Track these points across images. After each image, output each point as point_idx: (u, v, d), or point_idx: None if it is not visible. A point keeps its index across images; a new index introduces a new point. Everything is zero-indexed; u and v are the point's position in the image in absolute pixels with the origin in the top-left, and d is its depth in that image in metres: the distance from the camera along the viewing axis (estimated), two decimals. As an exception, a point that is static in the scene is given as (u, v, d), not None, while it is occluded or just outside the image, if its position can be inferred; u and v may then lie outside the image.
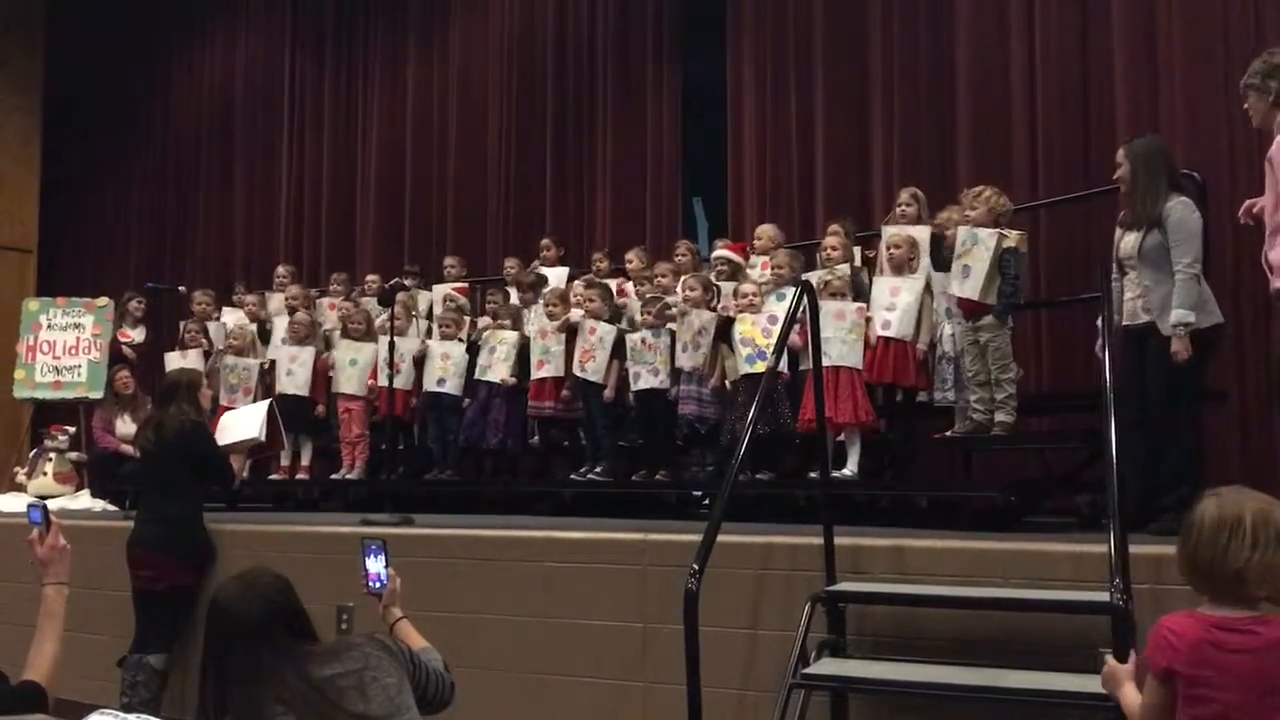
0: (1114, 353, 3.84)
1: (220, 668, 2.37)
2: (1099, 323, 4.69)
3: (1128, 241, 4.55)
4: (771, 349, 5.46)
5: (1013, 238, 5.03)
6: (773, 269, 5.92)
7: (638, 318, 6.39)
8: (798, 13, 7.92)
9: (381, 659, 2.39)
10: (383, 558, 3.07)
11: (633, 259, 7.08)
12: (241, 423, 6.25)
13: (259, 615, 2.36)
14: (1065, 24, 6.67)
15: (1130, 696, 2.55)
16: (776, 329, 5.48)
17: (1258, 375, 5.62)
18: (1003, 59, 6.92)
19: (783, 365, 5.10)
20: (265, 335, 8.04)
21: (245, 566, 2.54)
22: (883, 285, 5.52)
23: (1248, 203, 4.32)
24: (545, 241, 7.92)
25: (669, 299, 6.24)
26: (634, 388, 6.15)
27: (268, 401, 6.77)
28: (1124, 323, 4.58)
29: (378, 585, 3.06)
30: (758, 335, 5.65)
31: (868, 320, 5.47)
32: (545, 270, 7.60)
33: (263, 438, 6.20)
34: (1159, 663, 2.34)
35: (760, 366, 5.56)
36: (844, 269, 5.73)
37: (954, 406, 5.34)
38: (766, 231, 6.57)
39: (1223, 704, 2.29)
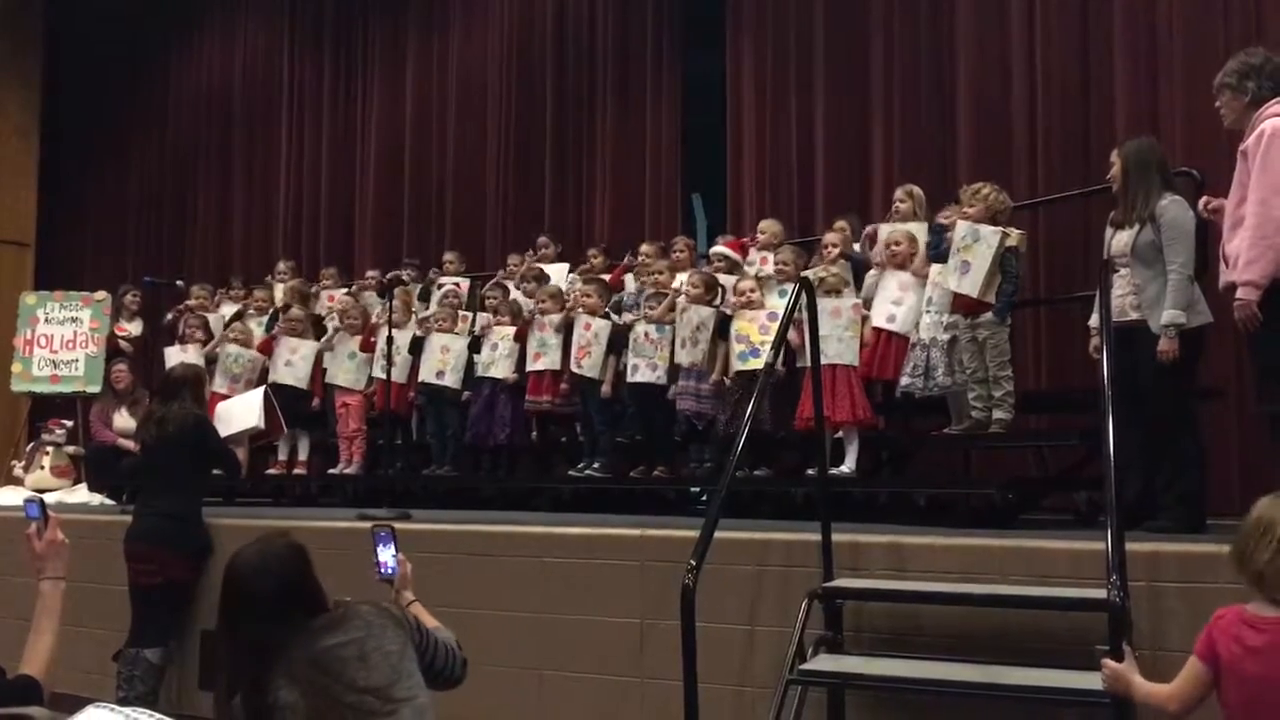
0: (1111, 350, 3.84)
1: (231, 638, 2.42)
2: (1090, 323, 4.71)
3: (1120, 239, 4.56)
4: (766, 346, 5.47)
5: (1014, 237, 5.03)
6: (776, 265, 5.90)
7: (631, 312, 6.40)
8: (798, 9, 7.92)
9: (385, 626, 2.41)
10: (392, 545, 3.13)
11: (649, 251, 6.95)
12: (239, 412, 6.24)
13: (271, 591, 2.39)
14: (1066, 22, 6.68)
15: (1143, 687, 2.61)
16: (775, 325, 5.48)
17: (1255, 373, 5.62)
18: (1003, 57, 6.92)
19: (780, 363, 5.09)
20: (272, 327, 8.03)
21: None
22: (890, 280, 5.49)
23: (1205, 198, 4.34)
24: (543, 239, 7.88)
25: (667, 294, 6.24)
26: (629, 379, 6.13)
27: (263, 389, 6.77)
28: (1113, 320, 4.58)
29: (389, 572, 3.11)
30: (754, 332, 5.64)
31: (864, 318, 5.47)
32: (545, 268, 7.56)
33: (263, 425, 6.20)
34: (1199, 648, 2.48)
35: (753, 363, 5.56)
36: (839, 266, 5.71)
37: (926, 394, 5.28)
38: (770, 227, 6.54)
39: (1244, 698, 2.39)
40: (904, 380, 5.28)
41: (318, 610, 2.44)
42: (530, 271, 7.38)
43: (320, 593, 2.48)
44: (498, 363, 6.73)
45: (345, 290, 8.29)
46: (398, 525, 5.16)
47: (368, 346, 7.26)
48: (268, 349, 7.57)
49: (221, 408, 6.50)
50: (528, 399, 6.61)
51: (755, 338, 5.62)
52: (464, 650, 2.77)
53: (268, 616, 2.37)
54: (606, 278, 6.91)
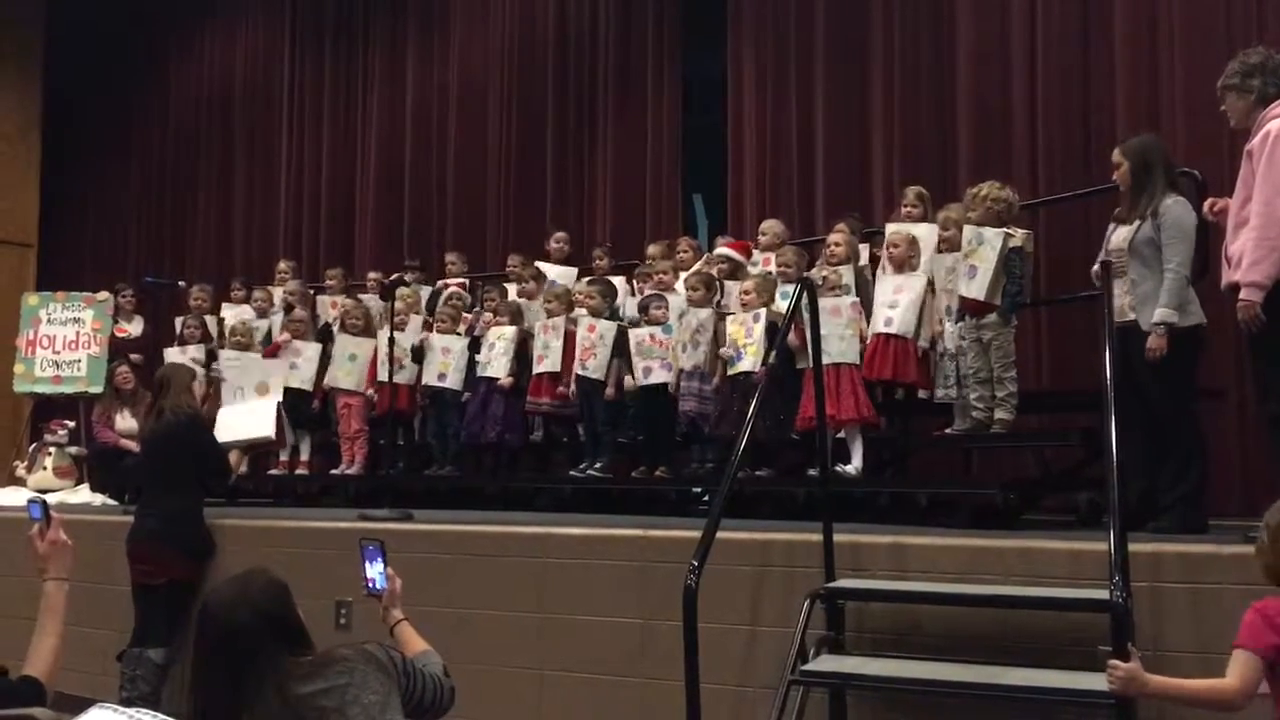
0: (1113, 350, 3.84)
1: (204, 674, 2.32)
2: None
3: (1119, 235, 4.55)
4: (749, 348, 5.50)
5: (1019, 237, 5.01)
6: (779, 266, 5.90)
7: (632, 311, 6.40)
8: (799, 9, 7.91)
9: (368, 674, 2.33)
10: (380, 559, 3.03)
11: (656, 253, 6.91)
12: (247, 420, 6.24)
13: (246, 625, 2.28)
14: (1066, 22, 6.67)
15: (1180, 683, 2.63)
16: (758, 328, 5.51)
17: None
18: (1003, 56, 6.91)
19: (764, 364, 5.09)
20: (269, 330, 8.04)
21: (245, 561, 2.53)
22: (886, 283, 5.50)
23: (1210, 200, 4.35)
24: (561, 234, 7.84)
25: (669, 296, 6.24)
26: (643, 381, 6.09)
27: (276, 400, 6.77)
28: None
29: (376, 588, 3.03)
30: (740, 335, 5.65)
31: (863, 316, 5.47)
32: (553, 267, 7.55)
33: (274, 435, 6.20)
34: (1250, 640, 2.48)
35: (739, 367, 5.58)
36: (843, 268, 5.71)
37: (954, 404, 5.32)
38: (772, 228, 6.52)
39: None
40: (939, 393, 5.35)
41: (299, 650, 2.34)
42: (527, 271, 7.38)
43: (303, 632, 2.38)
44: (494, 362, 6.74)
45: (343, 292, 8.30)
46: (399, 526, 5.22)
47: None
48: (274, 353, 7.55)
49: (226, 413, 6.50)
50: (529, 399, 6.61)
51: (740, 341, 5.62)
52: (456, 654, 2.75)
53: (241, 652, 2.26)
54: (611, 278, 6.90)
